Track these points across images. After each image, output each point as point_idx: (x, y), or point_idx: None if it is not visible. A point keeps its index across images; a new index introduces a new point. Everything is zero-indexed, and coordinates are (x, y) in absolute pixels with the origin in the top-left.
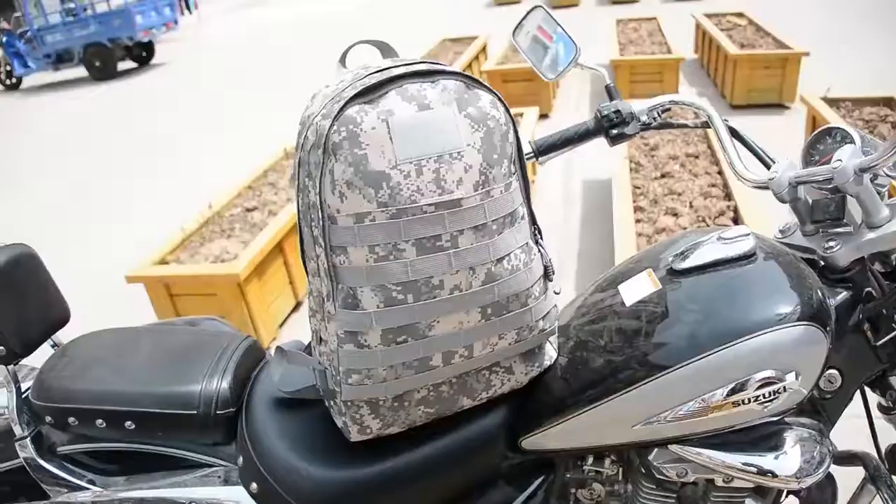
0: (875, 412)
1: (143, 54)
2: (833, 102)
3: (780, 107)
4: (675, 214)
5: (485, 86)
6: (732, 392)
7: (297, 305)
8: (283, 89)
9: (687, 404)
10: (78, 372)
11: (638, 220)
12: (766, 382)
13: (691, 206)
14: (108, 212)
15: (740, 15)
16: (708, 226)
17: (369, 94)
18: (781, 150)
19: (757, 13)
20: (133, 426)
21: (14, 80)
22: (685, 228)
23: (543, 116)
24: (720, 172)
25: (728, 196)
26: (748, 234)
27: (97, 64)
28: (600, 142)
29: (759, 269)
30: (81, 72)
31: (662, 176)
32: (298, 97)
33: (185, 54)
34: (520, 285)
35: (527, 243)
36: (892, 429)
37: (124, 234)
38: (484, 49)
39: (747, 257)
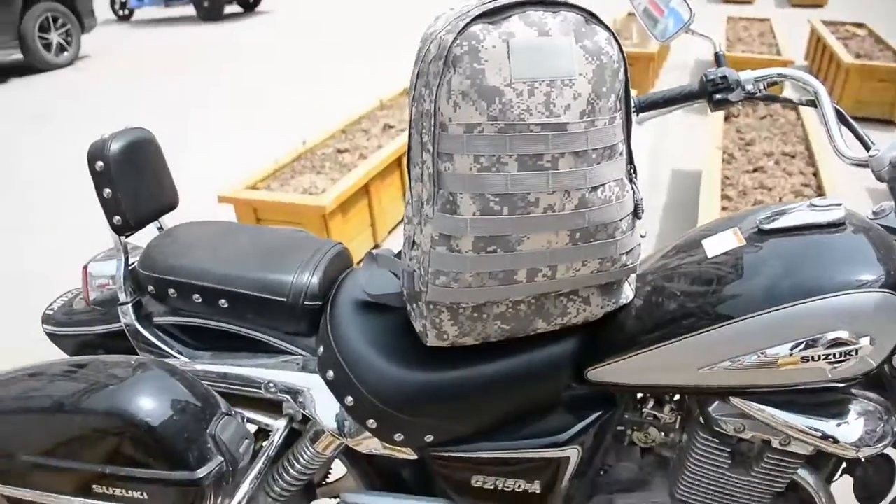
0: None
1: (249, 0)
2: None
3: (889, 123)
4: None
5: (603, 23)
6: (803, 347)
7: (376, 247)
8: (388, 39)
9: (754, 354)
10: (181, 251)
11: (724, 208)
12: (838, 343)
13: (781, 202)
14: (205, 140)
15: (860, 25)
16: None
17: (494, 15)
18: None
19: (880, 27)
20: (226, 305)
21: (126, 12)
22: None
23: None
24: (815, 173)
25: (821, 196)
26: (840, 205)
27: (205, 4)
28: (692, 129)
29: (846, 236)
30: (190, 10)
31: (755, 170)
32: (401, 47)
33: (292, 3)
34: (610, 216)
35: (622, 178)
36: None
37: (219, 161)
38: None
39: (836, 225)
